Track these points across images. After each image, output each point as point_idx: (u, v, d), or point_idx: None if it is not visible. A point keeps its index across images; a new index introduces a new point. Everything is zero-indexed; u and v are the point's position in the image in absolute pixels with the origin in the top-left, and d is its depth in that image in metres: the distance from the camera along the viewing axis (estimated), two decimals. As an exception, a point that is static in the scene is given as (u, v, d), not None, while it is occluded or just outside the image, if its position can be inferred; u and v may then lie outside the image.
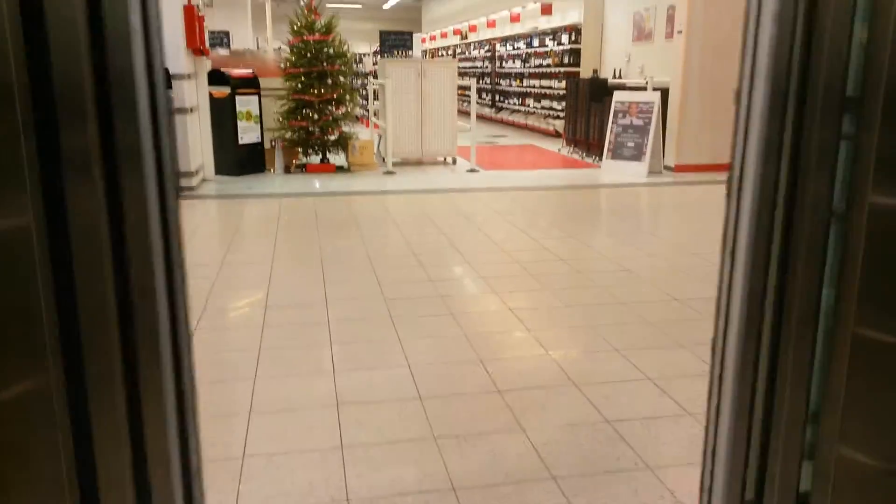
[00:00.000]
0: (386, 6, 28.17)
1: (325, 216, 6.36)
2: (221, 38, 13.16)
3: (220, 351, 3.27)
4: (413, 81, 9.20)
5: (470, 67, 19.39)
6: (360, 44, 24.69)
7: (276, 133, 8.75)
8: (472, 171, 8.93)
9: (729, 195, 1.44)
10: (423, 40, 26.61)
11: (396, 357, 3.16)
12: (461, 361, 3.12)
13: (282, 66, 8.89)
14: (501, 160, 10.63)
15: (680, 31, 8.46)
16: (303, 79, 8.60)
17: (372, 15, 28.79)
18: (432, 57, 24.17)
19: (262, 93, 8.59)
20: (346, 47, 8.82)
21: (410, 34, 11.27)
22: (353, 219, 6.32)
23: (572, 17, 13.32)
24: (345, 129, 8.88)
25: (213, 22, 15.79)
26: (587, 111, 10.23)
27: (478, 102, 18.08)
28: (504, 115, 16.67)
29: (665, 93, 8.62)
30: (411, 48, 11.38)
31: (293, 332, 3.50)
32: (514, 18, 16.17)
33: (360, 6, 28.07)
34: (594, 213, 7.08)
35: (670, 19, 9.71)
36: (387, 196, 7.54)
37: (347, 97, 8.84)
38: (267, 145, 8.79)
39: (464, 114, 18.24)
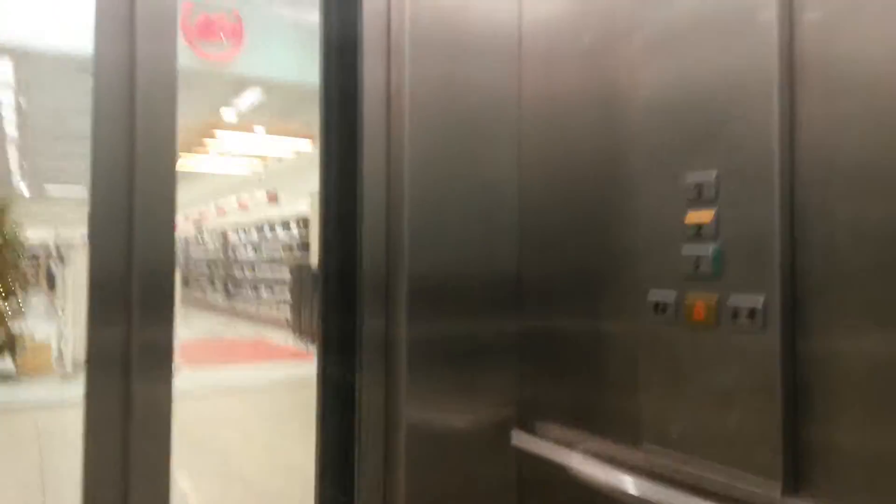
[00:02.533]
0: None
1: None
2: None
3: None
4: (108, 271, 8.15)
5: (202, 256, 18.50)
6: (65, 228, 22.30)
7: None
8: (174, 370, 7.84)
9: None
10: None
11: None
12: None
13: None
14: (214, 356, 9.68)
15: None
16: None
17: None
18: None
19: None
20: (18, 236, 7.61)
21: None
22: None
23: (301, 207, 13.42)
24: (13, 327, 7.39)
25: None
26: (311, 301, 9.91)
27: (211, 291, 17.14)
28: (237, 304, 15.81)
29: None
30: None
31: None
32: (243, 205, 15.97)
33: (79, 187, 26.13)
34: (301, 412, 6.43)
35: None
36: (50, 411, 6.14)
37: (17, 290, 7.48)
38: None
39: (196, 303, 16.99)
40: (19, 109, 12.55)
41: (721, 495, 0.84)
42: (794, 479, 0.76)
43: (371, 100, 1.05)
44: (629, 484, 0.92)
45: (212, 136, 12.47)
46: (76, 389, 6.62)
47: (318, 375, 1.20)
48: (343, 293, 1.13)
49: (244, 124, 12.04)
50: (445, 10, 1.08)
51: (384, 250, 1.07)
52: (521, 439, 1.10)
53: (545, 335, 1.09)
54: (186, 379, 7.52)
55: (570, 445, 1.04)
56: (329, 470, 1.16)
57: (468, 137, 1.11)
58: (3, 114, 13.18)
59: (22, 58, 9.31)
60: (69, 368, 7.40)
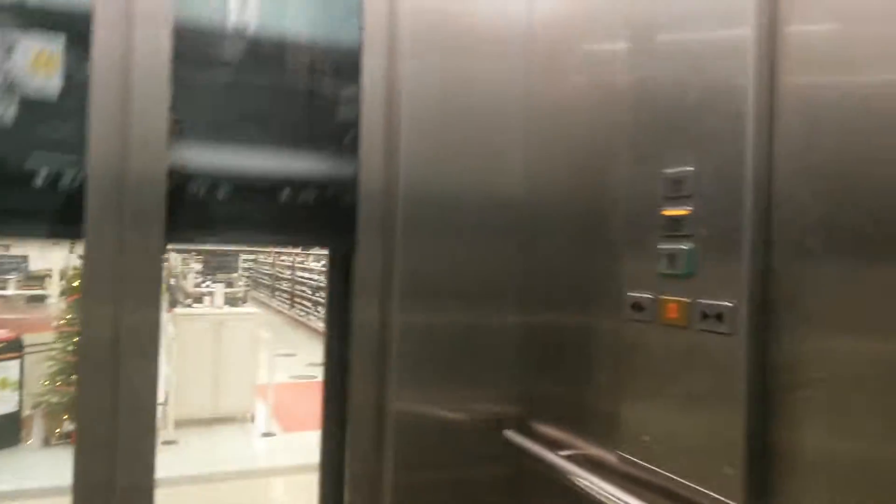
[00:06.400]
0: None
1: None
2: (17, 264, 12.04)
3: None
4: (209, 333, 8.67)
5: (307, 278, 18.93)
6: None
7: (40, 398, 7.72)
8: (266, 434, 8.14)
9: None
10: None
11: None
12: None
13: (54, 323, 8.10)
14: (313, 410, 10.03)
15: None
16: (76, 338, 7.83)
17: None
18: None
19: (30, 350, 7.70)
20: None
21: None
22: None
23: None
24: (124, 390, 8.03)
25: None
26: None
27: (314, 315, 17.46)
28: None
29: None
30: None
31: None
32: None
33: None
34: None
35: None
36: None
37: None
38: (27, 411, 7.71)
39: (301, 325, 17.25)
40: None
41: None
42: (758, 493, 0.72)
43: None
44: (604, 490, 0.91)
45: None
46: (166, 459, 7.07)
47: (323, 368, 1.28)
48: (339, 286, 1.19)
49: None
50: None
51: (380, 245, 1.11)
52: (514, 437, 1.09)
53: (541, 334, 1.08)
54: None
55: (557, 446, 1.02)
56: (327, 465, 1.21)
57: (471, 147, 1.17)
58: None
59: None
60: (171, 433, 7.97)
